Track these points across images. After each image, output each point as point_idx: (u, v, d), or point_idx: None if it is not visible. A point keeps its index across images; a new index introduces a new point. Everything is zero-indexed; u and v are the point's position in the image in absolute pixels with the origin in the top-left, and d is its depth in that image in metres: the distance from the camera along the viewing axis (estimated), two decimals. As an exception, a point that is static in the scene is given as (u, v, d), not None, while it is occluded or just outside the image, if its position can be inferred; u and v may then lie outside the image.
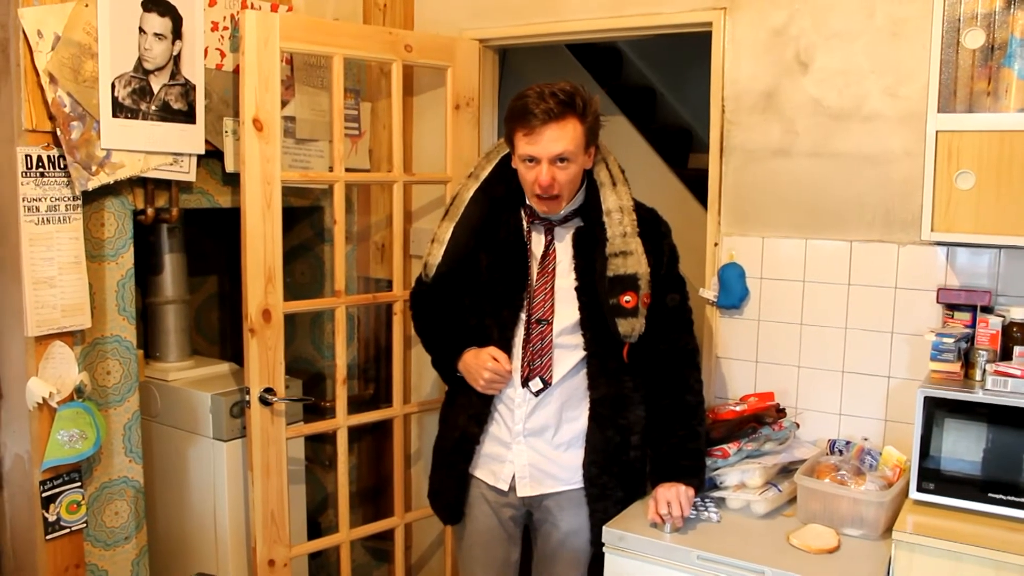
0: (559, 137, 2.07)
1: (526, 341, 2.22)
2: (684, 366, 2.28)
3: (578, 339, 2.22)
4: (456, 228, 2.27)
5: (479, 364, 2.23)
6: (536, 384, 2.22)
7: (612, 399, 2.23)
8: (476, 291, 2.28)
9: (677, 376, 2.26)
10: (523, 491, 2.28)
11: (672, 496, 2.14)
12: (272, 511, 2.65)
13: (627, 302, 2.13)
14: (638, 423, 2.26)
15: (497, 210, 2.28)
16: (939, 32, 2.07)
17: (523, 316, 2.23)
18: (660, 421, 2.26)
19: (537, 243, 2.25)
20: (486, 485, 2.33)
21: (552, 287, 2.21)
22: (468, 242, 2.27)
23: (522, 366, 2.23)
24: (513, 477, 2.29)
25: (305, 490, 3.04)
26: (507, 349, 2.23)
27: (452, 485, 2.38)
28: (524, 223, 2.26)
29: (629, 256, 2.15)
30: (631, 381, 2.25)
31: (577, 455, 2.25)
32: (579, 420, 2.25)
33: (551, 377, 2.21)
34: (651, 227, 2.24)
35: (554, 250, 2.23)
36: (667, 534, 2.13)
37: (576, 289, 2.21)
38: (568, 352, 2.22)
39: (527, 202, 2.25)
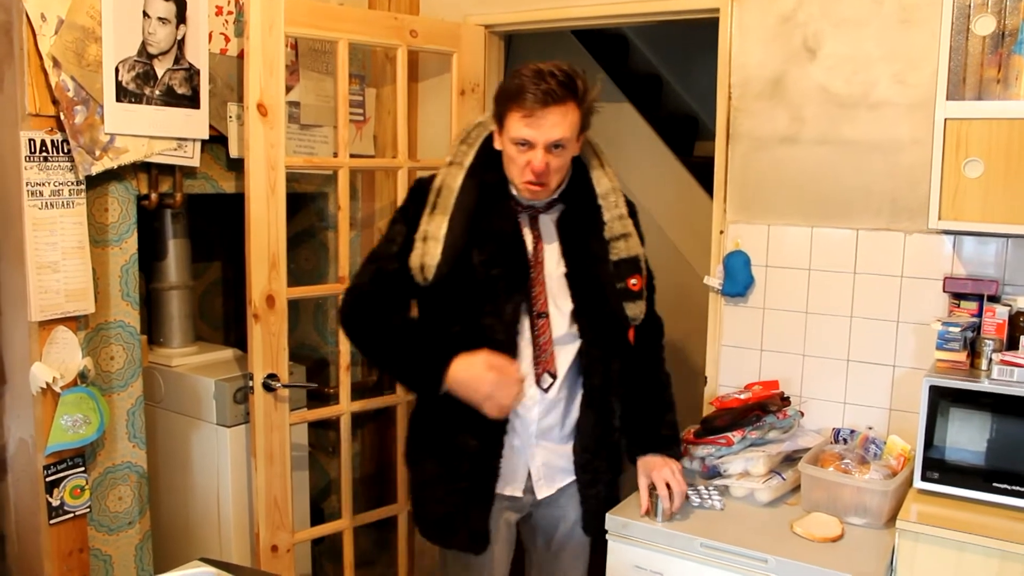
0: (559, 122, 1.94)
1: (533, 337, 2.09)
2: (659, 338, 2.29)
3: (573, 328, 2.13)
4: (451, 222, 2.04)
5: (475, 376, 1.97)
6: (546, 380, 2.11)
7: (604, 385, 2.18)
8: (469, 290, 2.06)
9: (653, 350, 2.27)
10: (542, 492, 2.19)
11: (668, 476, 2.13)
12: (275, 497, 2.66)
13: (634, 285, 2.10)
14: (618, 405, 2.24)
15: (488, 199, 2.09)
16: (949, 18, 2.05)
17: (525, 311, 2.09)
18: (637, 394, 2.23)
19: (525, 232, 2.11)
20: (504, 498, 2.18)
21: (543, 277, 2.10)
22: (463, 237, 2.05)
23: (534, 364, 2.09)
24: (528, 479, 2.18)
25: (308, 476, 3.05)
26: (513, 349, 2.06)
27: (478, 509, 2.13)
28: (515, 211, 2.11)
29: (630, 238, 2.11)
30: (617, 364, 2.20)
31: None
32: (575, 410, 2.19)
33: (556, 370, 2.11)
34: (630, 206, 2.20)
35: (542, 238, 2.12)
36: (659, 522, 2.13)
37: (566, 276, 2.11)
38: (566, 342, 2.13)
39: (509, 189, 2.10)
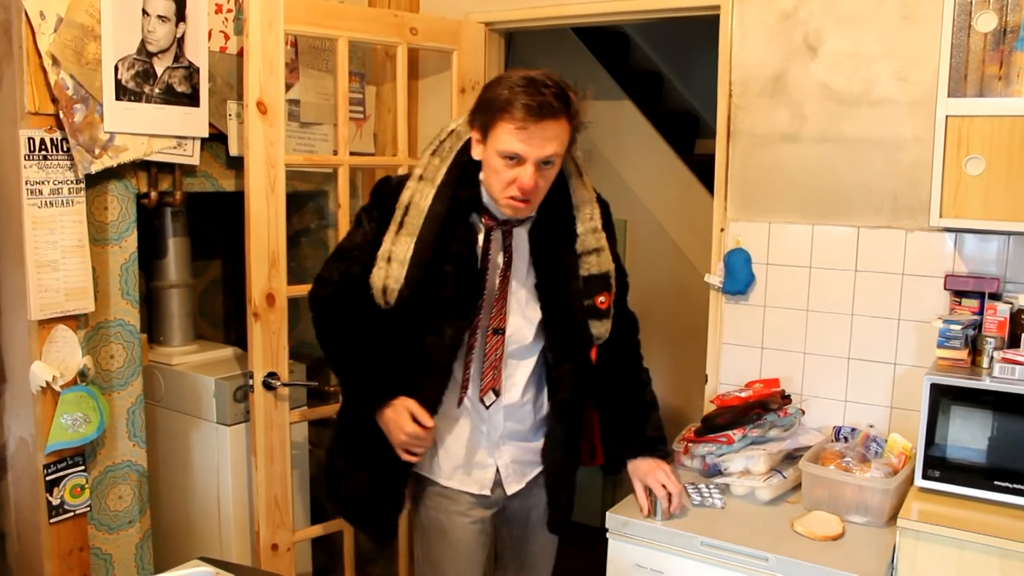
0: (553, 138, 1.85)
1: (484, 354, 2.06)
2: (634, 334, 2.26)
3: (538, 340, 2.11)
4: (418, 245, 1.95)
5: (398, 424, 2.02)
6: (489, 397, 2.08)
7: (573, 398, 2.16)
8: (420, 309, 2.00)
9: (630, 348, 2.25)
10: (511, 488, 2.18)
11: (662, 478, 2.13)
12: (275, 496, 2.65)
13: (602, 303, 2.04)
14: (587, 414, 2.27)
15: (456, 218, 2.00)
16: (951, 15, 2.04)
17: (480, 327, 2.05)
18: (619, 395, 2.23)
19: (496, 247, 2.03)
20: (468, 496, 2.15)
21: (508, 292, 2.05)
22: (429, 258, 1.97)
23: (482, 381, 2.07)
24: (496, 474, 2.17)
25: (308, 475, 3.04)
26: (448, 370, 2.05)
27: (393, 502, 2.16)
28: (480, 227, 2.03)
29: (601, 252, 2.04)
30: (589, 376, 2.19)
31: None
32: (543, 407, 2.19)
33: (500, 388, 2.09)
34: (604, 213, 2.12)
35: (513, 251, 2.05)
36: (659, 521, 2.13)
37: (536, 287, 2.08)
38: (526, 354, 2.12)
39: (484, 203, 2.01)
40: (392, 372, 2.06)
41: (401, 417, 2.01)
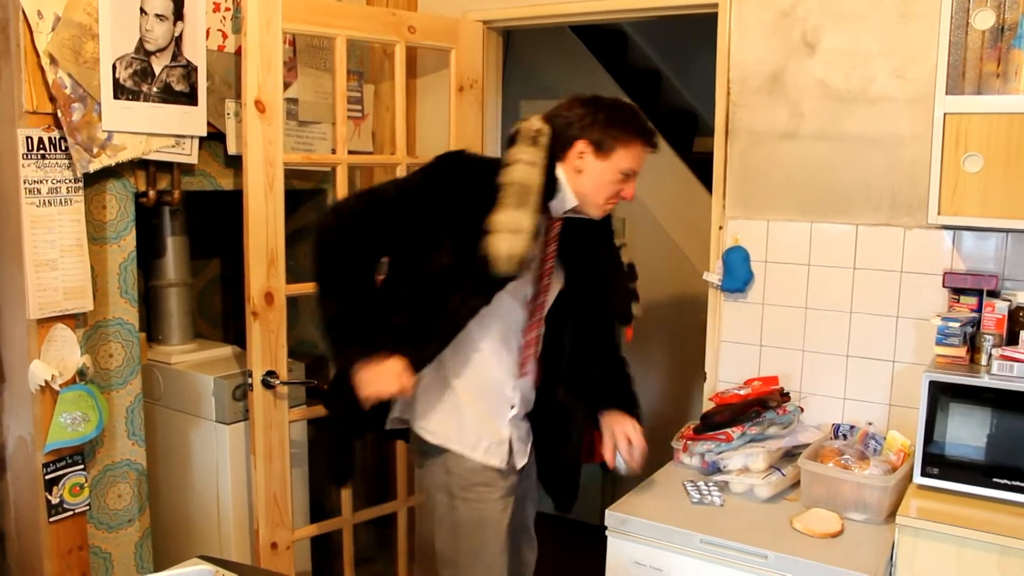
0: None
1: (538, 338, 2.27)
2: (614, 326, 2.39)
3: (559, 323, 2.29)
4: (537, 220, 2.05)
5: (378, 378, 2.07)
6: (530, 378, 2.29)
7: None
8: (467, 275, 2.09)
9: (611, 336, 2.37)
10: (520, 461, 2.28)
11: (629, 430, 2.24)
12: (275, 494, 2.66)
13: (634, 287, 2.29)
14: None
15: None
16: (948, 13, 2.05)
17: (539, 314, 2.25)
18: (603, 366, 2.35)
19: (548, 239, 2.20)
20: (499, 477, 2.22)
21: (548, 281, 2.25)
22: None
23: (533, 364, 2.28)
24: (509, 453, 2.25)
25: (307, 473, 3.05)
26: (525, 343, 2.22)
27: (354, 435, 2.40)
28: (542, 221, 2.13)
29: (625, 247, 2.30)
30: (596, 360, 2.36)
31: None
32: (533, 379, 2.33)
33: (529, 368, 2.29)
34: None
35: (555, 244, 2.22)
36: (622, 472, 2.22)
37: (567, 278, 2.27)
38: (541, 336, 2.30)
39: (551, 203, 2.15)
40: (386, 325, 2.11)
41: (384, 375, 2.05)
